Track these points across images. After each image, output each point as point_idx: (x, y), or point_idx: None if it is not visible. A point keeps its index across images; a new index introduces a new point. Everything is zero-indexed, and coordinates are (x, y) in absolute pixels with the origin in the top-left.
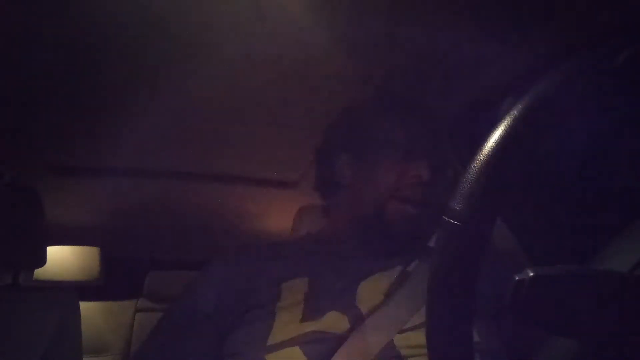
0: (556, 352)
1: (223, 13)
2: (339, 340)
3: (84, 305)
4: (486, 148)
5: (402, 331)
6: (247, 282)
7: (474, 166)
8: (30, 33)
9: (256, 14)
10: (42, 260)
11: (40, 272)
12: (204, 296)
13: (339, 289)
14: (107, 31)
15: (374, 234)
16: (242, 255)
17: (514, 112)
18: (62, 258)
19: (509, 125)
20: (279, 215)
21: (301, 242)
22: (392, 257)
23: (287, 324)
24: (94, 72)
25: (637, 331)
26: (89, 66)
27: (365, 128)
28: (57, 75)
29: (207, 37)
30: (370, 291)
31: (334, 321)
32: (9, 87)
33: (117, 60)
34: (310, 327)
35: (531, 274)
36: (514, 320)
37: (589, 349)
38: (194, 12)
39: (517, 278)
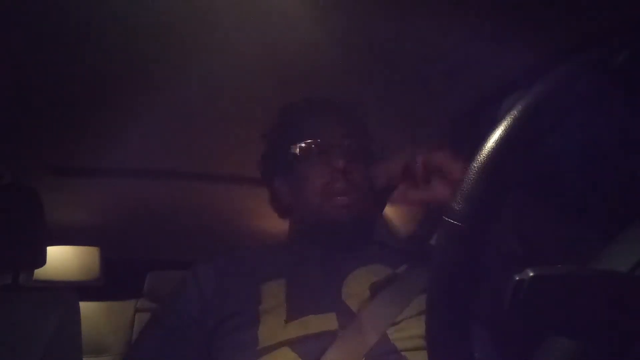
0: (556, 352)
1: (223, 14)
2: (330, 337)
3: (84, 305)
4: (486, 148)
5: (394, 323)
6: (229, 284)
7: (474, 166)
8: (31, 33)
9: (256, 15)
10: (42, 260)
11: (40, 272)
12: (189, 299)
13: (320, 288)
14: (107, 32)
15: (325, 233)
16: (224, 259)
17: (514, 112)
18: (62, 258)
19: (509, 125)
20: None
21: (275, 246)
22: (360, 249)
23: (273, 326)
24: (94, 73)
25: (637, 331)
26: (88, 66)
27: (280, 144)
28: (57, 75)
29: (206, 38)
30: (356, 287)
31: (321, 320)
32: (9, 87)
33: (117, 61)
34: (297, 327)
35: (531, 274)
36: (514, 320)
37: (589, 349)
38: (192, 14)
39: (517, 278)
